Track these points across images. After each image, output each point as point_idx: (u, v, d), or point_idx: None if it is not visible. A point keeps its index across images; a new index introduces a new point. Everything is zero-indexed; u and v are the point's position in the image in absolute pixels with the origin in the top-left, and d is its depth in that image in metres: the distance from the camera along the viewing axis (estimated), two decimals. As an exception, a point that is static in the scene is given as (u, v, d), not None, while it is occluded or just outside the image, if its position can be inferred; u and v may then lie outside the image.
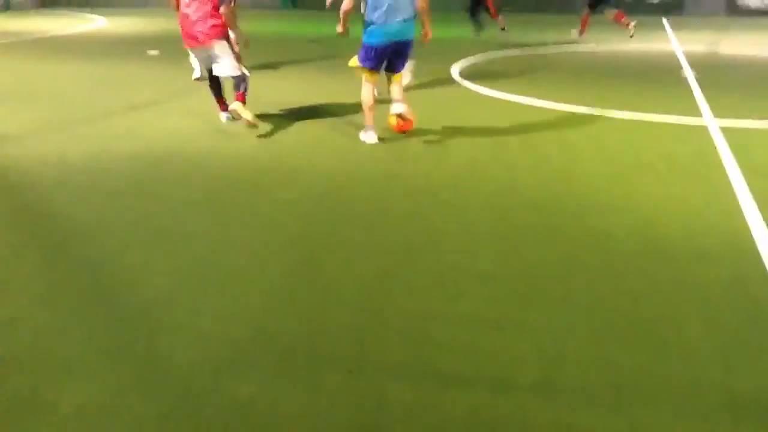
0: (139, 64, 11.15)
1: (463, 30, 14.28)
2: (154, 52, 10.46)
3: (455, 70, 10.32)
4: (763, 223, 4.30)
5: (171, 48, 10.67)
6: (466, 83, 9.27)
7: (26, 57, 12.11)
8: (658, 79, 9.65)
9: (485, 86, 8.96)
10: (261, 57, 11.08)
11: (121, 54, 12.42)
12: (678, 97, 8.27)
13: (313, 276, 3.73)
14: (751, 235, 4.14)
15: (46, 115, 7.52)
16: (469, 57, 11.62)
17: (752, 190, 4.90)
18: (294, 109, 7.77)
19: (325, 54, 12.05)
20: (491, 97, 8.40)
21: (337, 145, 6.26)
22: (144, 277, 3.70)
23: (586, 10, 13.28)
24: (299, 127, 6.95)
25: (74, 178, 5.41)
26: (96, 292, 3.56)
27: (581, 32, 13.71)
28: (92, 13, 22.41)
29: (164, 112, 7.71)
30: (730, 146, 6.00)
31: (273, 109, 7.69)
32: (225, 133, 6.77)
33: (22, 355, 2.98)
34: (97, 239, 4.21)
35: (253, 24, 14.76)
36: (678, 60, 11.24)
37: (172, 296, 3.49)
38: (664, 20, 17.69)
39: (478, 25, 13.75)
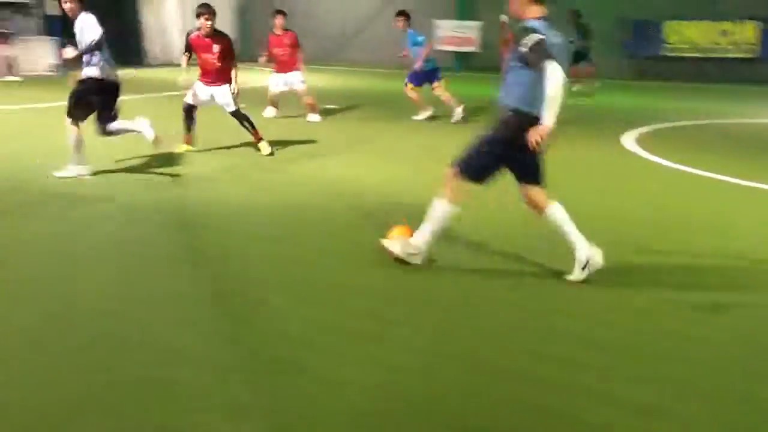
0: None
1: (638, 99, 13.77)
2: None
3: (629, 138, 9.88)
4: None
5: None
6: (641, 152, 8.84)
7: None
8: None
9: (660, 156, 8.48)
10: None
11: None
12: None
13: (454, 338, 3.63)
14: None
15: (225, 162, 8.05)
16: (645, 125, 11.13)
17: None
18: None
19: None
20: (665, 168, 7.93)
21: (488, 210, 6.08)
22: (287, 323, 3.76)
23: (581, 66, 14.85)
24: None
25: (240, 221, 5.70)
26: (245, 333, 3.66)
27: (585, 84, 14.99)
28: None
29: (328, 165, 7.97)
30: None
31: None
32: (384, 186, 6.90)
33: (170, 385, 3.11)
34: (251, 282, 4.36)
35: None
36: None
37: (313, 344, 3.50)
38: None
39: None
